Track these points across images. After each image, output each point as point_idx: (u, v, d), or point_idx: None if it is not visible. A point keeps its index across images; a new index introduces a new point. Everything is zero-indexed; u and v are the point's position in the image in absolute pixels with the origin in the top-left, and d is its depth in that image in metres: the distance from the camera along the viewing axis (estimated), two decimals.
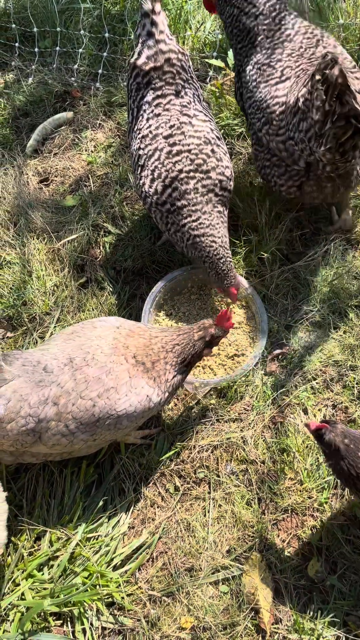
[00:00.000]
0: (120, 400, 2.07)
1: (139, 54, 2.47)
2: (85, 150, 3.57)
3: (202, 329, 2.28)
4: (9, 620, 2.13)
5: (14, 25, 4.09)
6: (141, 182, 2.58)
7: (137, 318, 2.83)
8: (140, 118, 2.59)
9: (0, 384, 1.99)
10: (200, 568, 2.21)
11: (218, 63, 3.54)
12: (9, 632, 2.10)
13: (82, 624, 2.11)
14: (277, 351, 2.66)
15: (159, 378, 2.18)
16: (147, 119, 2.56)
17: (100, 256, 3.11)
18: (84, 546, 2.24)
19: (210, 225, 2.52)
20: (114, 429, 2.12)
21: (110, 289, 2.97)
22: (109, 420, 2.07)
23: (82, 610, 2.11)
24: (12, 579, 2.20)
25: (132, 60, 2.51)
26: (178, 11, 3.88)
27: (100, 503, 2.31)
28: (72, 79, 3.89)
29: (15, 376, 2.02)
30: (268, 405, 2.53)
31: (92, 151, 3.56)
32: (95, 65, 3.93)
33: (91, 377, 2.05)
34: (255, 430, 2.48)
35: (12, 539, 2.26)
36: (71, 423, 2.03)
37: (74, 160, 3.55)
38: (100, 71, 3.85)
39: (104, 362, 2.09)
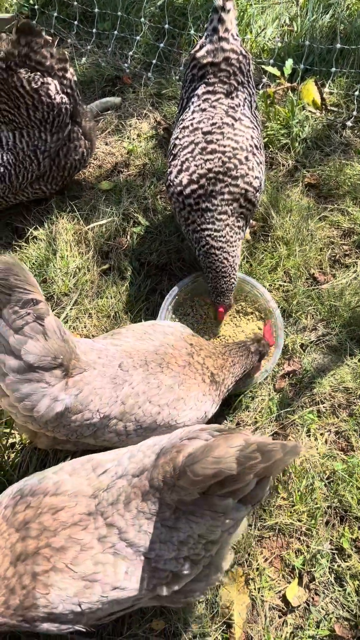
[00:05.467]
0: (184, 412, 2.03)
1: (200, 47, 2.45)
2: (127, 138, 3.55)
3: (257, 341, 2.36)
4: None
5: (75, 3, 4.09)
6: (169, 169, 2.57)
7: (154, 313, 2.81)
8: (187, 109, 2.57)
9: (75, 372, 1.90)
10: None
11: (274, 71, 3.51)
12: None
13: None
14: (289, 369, 2.63)
15: (219, 395, 2.19)
16: (193, 112, 2.54)
17: (126, 245, 3.09)
18: None
19: (229, 241, 2.48)
20: None
21: (132, 280, 2.95)
22: (167, 429, 2.01)
23: None
24: None
25: (193, 51, 2.49)
26: (241, 13, 3.85)
27: None
28: (125, 65, 3.87)
29: (90, 367, 1.93)
30: (271, 421, 2.50)
31: (133, 139, 3.54)
32: (150, 54, 3.90)
33: (164, 384, 2.00)
34: None
35: None
36: (131, 425, 1.96)
37: (114, 146, 3.53)
38: (154, 61, 3.83)
39: (177, 372, 2.05)
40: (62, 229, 3.11)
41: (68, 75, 2.80)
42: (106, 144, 3.55)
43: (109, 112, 3.69)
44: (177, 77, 3.77)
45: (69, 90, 2.83)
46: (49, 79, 2.73)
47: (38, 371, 1.78)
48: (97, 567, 1.57)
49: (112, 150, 3.51)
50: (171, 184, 2.51)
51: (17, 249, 3.09)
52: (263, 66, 3.64)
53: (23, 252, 3.07)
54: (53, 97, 2.76)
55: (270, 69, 3.51)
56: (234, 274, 2.50)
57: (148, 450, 1.71)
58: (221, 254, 2.44)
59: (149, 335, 2.11)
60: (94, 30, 4.04)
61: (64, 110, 2.83)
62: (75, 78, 2.86)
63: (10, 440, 2.45)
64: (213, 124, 2.46)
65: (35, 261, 3.01)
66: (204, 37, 2.48)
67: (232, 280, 2.51)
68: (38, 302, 1.73)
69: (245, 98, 2.53)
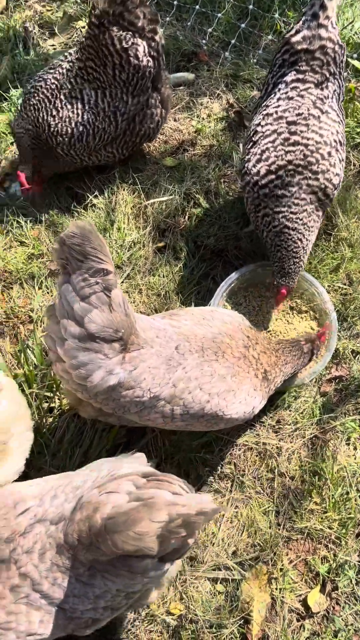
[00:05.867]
0: (233, 405, 2.00)
1: (296, 32, 2.35)
2: (197, 117, 3.47)
3: (310, 342, 2.32)
4: None
5: None
6: (247, 157, 2.50)
7: (205, 298, 2.77)
8: (272, 95, 2.48)
9: (132, 348, 1.86)
10: (203, 561, 2.17)
11: (358, 64, 3.38)
12: None
13: None
14: (336, 373, 2.57)
15: (267, 392, 2.15)
16: (278, 99, 2.45)
17: (184, 226, 3.04)
18: None
19: (305, 224, 2.42)
20: (207, 426, 2.06)
21: (186, 262, 2.91)
22: (212, 418, 1.99)
23: None
24: None
25: (287, 35, 2.39)
26: None
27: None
28: (203, 41, 3.77)
29: (148, 345, 1.90)
30: (312, 424, 2.46)
31: (203, 119, 3.47)
32: (229, 34, 3.80)
33: (217, 373, 1.96)
34: (292, 444, 2.41)
35: (30, 474, 2.26)
36: (178, 409, 1.93)
37: (182, 123, 3.46)
38: (233, 41, 3.72)
39: (232, 363, 2.01)
40: (122, 200, 3.07)
41: (157, 37, 2.74)
42: (175, 120, 3.48)
43: (182, 87, 3.61)
44: (255, 61, 3.66)
45: (155, 54, 2.77)
46: (139, 40, 2.67)
47: (98, 342, 1.75)
48: (9, 616, 1.54)
49: (180, 127, 3.44)
50: (248, 172, 2.44)
51: (75, 214, 3.06)
52: (348, 59, 3.51)
53: (80, 218, 3.05)
54: (140, 59, 2.70)
55: (355, 62, 3.38)
56: (304, 257, 2.44)
57: (70, 493, 1.65)
58: (295, 234, 2.39)
59: (208, 322, 2.07)
60: (175, 2, 3.94)
61: (147, 73, 2.78)
62: (163, 42, 2.79)
63: (48, 405, 2.45)
64: (299, 114, 2.38)
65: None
66: (300, 22, 2.38)
67: (301, 263, 2.45)
68: (108, 272, 1.70)
69: (335, 90, 2.44)
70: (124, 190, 3.11)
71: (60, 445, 2.33)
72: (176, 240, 2.98)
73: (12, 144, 3.37)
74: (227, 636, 2.05)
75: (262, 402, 2.12)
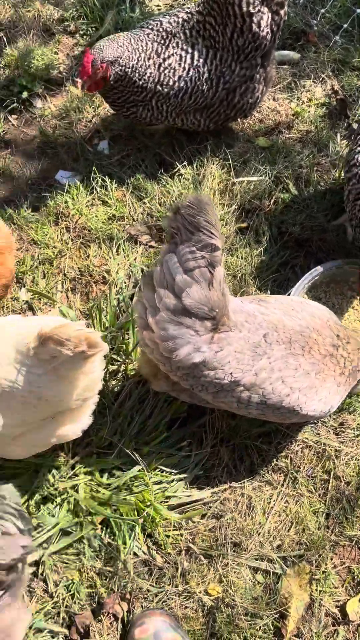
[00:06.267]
0: (312, 402, 1.96)
1: None
2: (297, 99, 3.35)
3: None
4: (58, 504, 2.18)
5: None
6: (358, 149, 2.40)
7: (283, 287, 2.71)
8: None
9: (222, 329, 1.82)
10: (246, 548, 2.17)
11: None
12: (55, 517, 2.14)
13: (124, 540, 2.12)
14: None
15: (347, 391, 2.10)
16: None
17: (269, 209, 2.96)
18: (148, 473, 2.23)
19: None
20: (280, 418, 2.04)
21: (267, 247, 2.84)
22: (288, 412, 1.96)
23: (125, 528, 2.12)
24: (73, 465, 2.22)
25: None
26: None
27: (184, 444, 2.28)
28: (314, 21, 3.62)
29: (237, 329, 1.86)
30: None
31: (303, 102, 3.35)
32: (343, 17, 3.62)
33: (302, 368, 1.92)
34: (353, 449, 2.36)
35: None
36: (256, 398, 1.90)
37: (281, 104, 3.35)
38: (345, 25, 3.55)
39: (317, 360, 1.96)
40: (210, 174, 3.01)
41: (282, 12, 2.62)
42: (274, 99, 3.37)
43: (285, 66, 3.48)
44: None
45: (275, 28, 2.66)
46: (265, 9, 2.56)
47: (191, 317, 1.72)
48: None
49: (278, 108, 3.33)
50: (356, 164, 2.34)
51: (162, 182, 3.02)
52: None
53: (165, 187, 3.00)
54: (262, 28, 2.59)
55: None
56: None
57: None
58: None
59: (297, 313, 2.01)
60: None
61: (263, 46, 2.67)
62: (285, 18, 2.67)
63: (113, 368, 2.45)
64: None
65: (176, 199, 2.93)
66: None
67: None
68: (216, 249, 1.66)
69: None
70: (213, 164, 3.04)
71: (120, 409, 2.34)
72: (260, 223, 2.91)
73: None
74: (261, 626, 2.05)
75: (340, 401, 2.07)
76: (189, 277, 1.67)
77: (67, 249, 2.85)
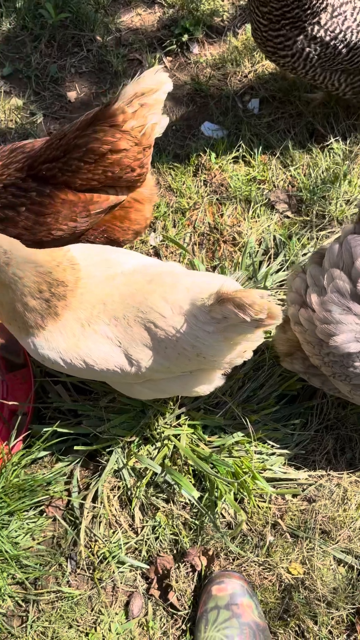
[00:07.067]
0: None
1: None
2: None
3: None
4: (157, 447, 2.21)
5: None
6: None
7: None
8: None
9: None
10: (334, 539, 2.14)
11: None
12: (153, 459, 2.18)
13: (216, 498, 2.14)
14: None
15: None
16: None
17: None
18: (250, 442, 2.22)
19: None
20: None
21: None
22: None
23: (222, 488, 2.13)
24: (178, 415, 2.24)
25: None
26: None
27: (297, 422, 2.25)
28: None
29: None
30: None
31: None
32: None
33: None
34: None
35: None
36: None
37: None
38: None
39: None
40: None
41: None
42: None
43: None
44: None
45: None
46: None
47: None
48: None
49: None
50: None
51: (310, 153, 2.90)
52: None
53: (313, 159, 2.89)
54: None
55: None
56: None
57: None
58: None
59: None
60: None
61: None
62: None
63: None
64: None
65: (323, 173, 2.82)
66: None
67: None
68: None
69: None
70: None
71: (234, 372, 2.32)
72: None
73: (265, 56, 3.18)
74: (335, 617, 2.03)
75: None
76: None
77: (202, 203, 2.81)
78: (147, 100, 1.97)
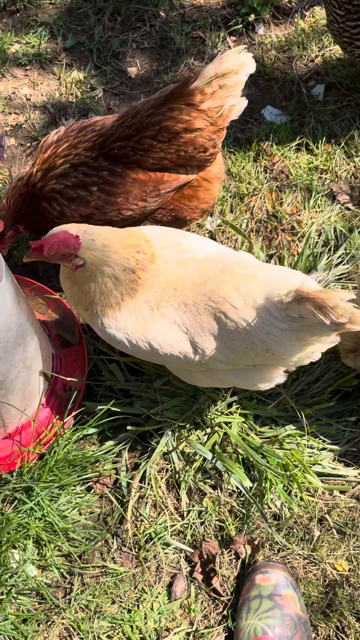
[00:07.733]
0: None
1: None
2: None
3: None
4: (207, 433, 2.20)
5: None
6: None
7: None
8: None
9: None
10: None
11: None
12: (203, 445, 2.17)
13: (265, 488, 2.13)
14: None
15: None
16: None
17: None
18: (302, 436, 2.21)
19: None
20: None
21: None
22: None
23: (272, 479, 2.12)
24: (230, 403, 2.23)
25: None
26: None
27: (352, 419, 2.23)
28: None
29: None
30: None
31: None
32: None
33: None
34: None
35: None
36: None
37: None
38: None
39: None
40: None
41: None
42: None
43: None
44: None
45: None
46: None
47: None
48: None
49: None
50: None
51: None
52: None
53: None
54: None
55: None
56: None
57: None
58: None
59: None
60: None
61: None
62: None
63: None
64: None
65: None
66: None
67: None
68: None
69: None
70: None
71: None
72: None
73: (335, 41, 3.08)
74: None
75: None
76: None
77: (261, 189, 2.76)
78: (227, 82, 1.93)
